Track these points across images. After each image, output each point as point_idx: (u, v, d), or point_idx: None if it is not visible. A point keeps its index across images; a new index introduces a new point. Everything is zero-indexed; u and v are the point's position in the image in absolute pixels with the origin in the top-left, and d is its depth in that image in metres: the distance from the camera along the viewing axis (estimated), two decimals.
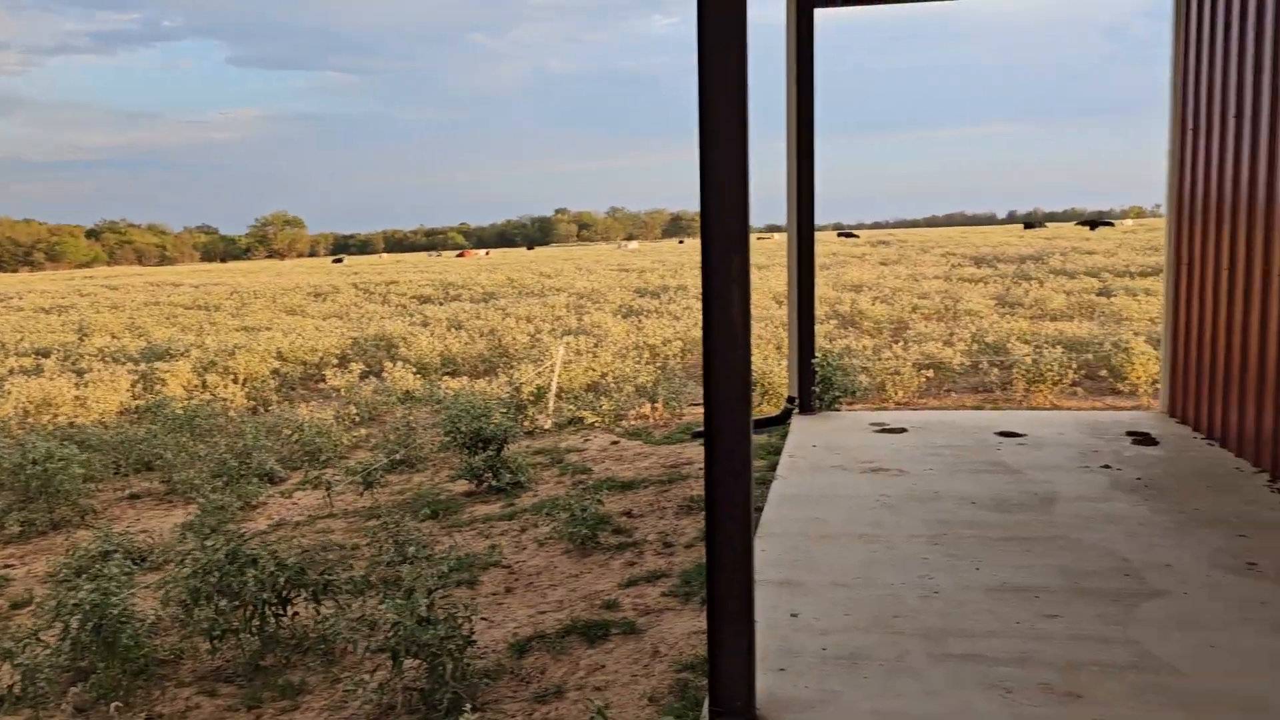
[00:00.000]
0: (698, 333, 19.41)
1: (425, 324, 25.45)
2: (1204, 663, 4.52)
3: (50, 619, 5.80)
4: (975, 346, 16.56)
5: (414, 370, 17.49)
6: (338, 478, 10.69)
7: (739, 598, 4.14)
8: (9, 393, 16.42)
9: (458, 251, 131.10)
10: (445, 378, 17.02)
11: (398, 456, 11.41)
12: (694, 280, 35.80)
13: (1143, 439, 9.14)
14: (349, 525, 9.10)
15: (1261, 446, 7.90)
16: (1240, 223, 8.45)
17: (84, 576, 6.21)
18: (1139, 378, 13.41)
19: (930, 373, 14.49)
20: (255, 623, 5.91)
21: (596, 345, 18.08)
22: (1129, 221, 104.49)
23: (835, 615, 5.23)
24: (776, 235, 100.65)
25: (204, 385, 17.61)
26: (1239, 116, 8.48)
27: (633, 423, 12.75)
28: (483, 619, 5.99)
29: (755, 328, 19.52)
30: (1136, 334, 16.30)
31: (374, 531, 8.19)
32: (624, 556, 7.02)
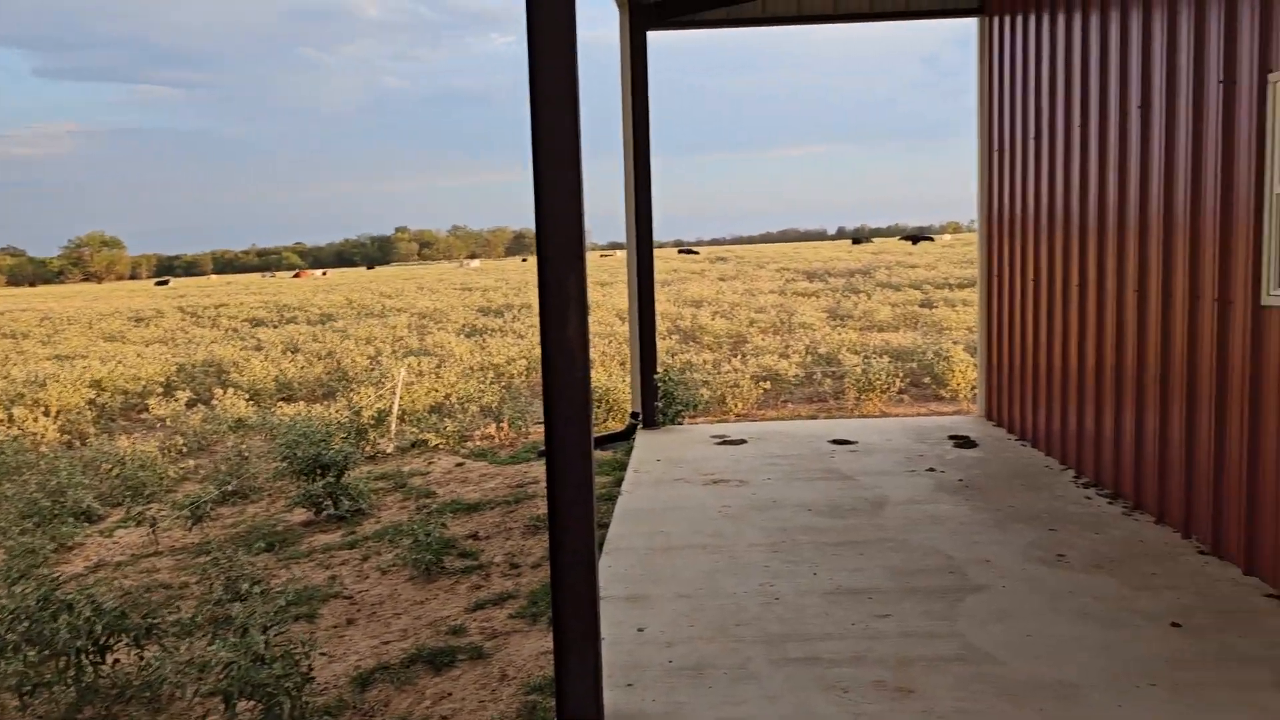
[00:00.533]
0: None
1: (259, 348, 24.45)
2: (1021, 652, 4.81)
3: None
4: (809, 358, 17.17)
5: (246, 397, 16.76)
6: (164, 513, 10.11)
7: (584, 616, 4.15)
8: None
9: (293, 272, 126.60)
10: (281, 403, 16.39)
11: (230, 488, 10.90)
12: (536, 298, 35.79)
13: (963, 442, 9.68)
14: (176, 563, 8.62)
15: (1066, 445, 8.49)
16: (1043, 237, 9.08)
17: None
18: (959, 384, 14.20)
19: (768, 384, 14.92)
20: (71, 673, 5.51)
21: (439, 366, 17.80)
22: (947, 236, 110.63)
23: (680, 627, 5.30)
24: (619, 253, 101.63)
25: (10, 420, 16.36)
26: (1038, 138, 9.12)
27: (478, 443, 12.60)
28: (322, 653, 5.78)
29: (600, 344, 19.66)
30: (956, 343, 17.26)
31: (204, 568, 7.78)
32: (470, 580, 6.92)
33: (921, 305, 26.43)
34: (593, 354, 18.04)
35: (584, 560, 4.14)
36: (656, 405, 11.02)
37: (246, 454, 12.17)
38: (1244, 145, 5.76)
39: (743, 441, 10.19)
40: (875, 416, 12.77)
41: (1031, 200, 9.37)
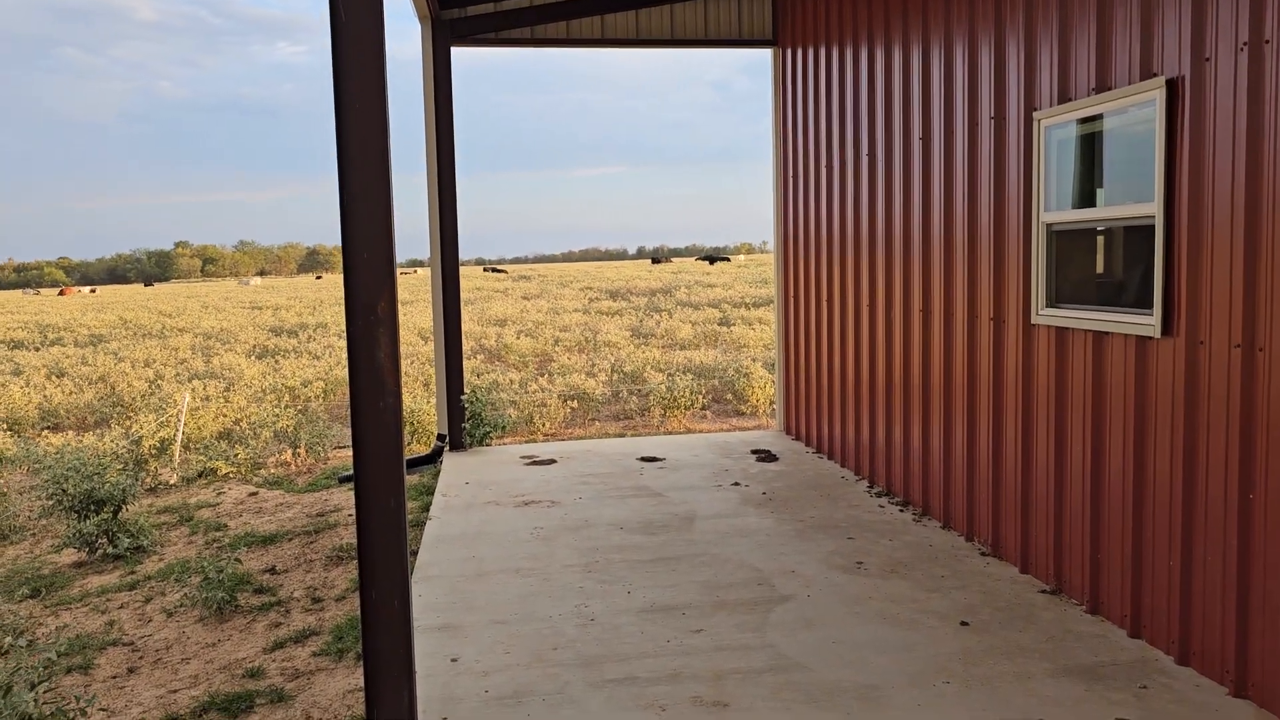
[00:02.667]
0: (340, 372, 18.66)
1: (18, 372, 22.32)
2: (828, 657, 4.98)
3: None
4: (615, 376, 17.34)
5: (4, 427, 15.25)
6: None
7: (397, 651, 3.97)
8: None
9: (58, 289, 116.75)
10: (45, 433, 15.01)
11: None
12: (334, 317, 34.46)
13: (765, 456, 10.00)
14: None
15: (860, 457, 8.93)
16: (835, 258, 9.54)
17: None
18: (759, 400, 14.70)
19: (575, 403, 14.95)
20: None
21: (228, 389, 16.81)
22: (742, 257, 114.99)
23: (496, 654, 5.19)
24: (420, 270, 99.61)
25: None
26: (829, 165, 9.59)
27: (273, 471, 11.96)
28: (101, 709, 5.29)
29: (402, 365, 19.15)
30: (754, 360, 17.89)
31: None
32: (268, 617, 6.52)
33: (720, 324, 27.25)
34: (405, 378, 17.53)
35: (396, 593, 3.97)
36: (463, 426, 10.81)
37: (4, 490, 11.06)
38: (1014, 177, 6.25)
39: (552, 461, 10.14)
40: (681, 433, 13.02)
41: (824, 223, 9.84)
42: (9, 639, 6.18)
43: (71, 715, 4.46)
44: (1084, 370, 5.55)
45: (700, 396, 14.73)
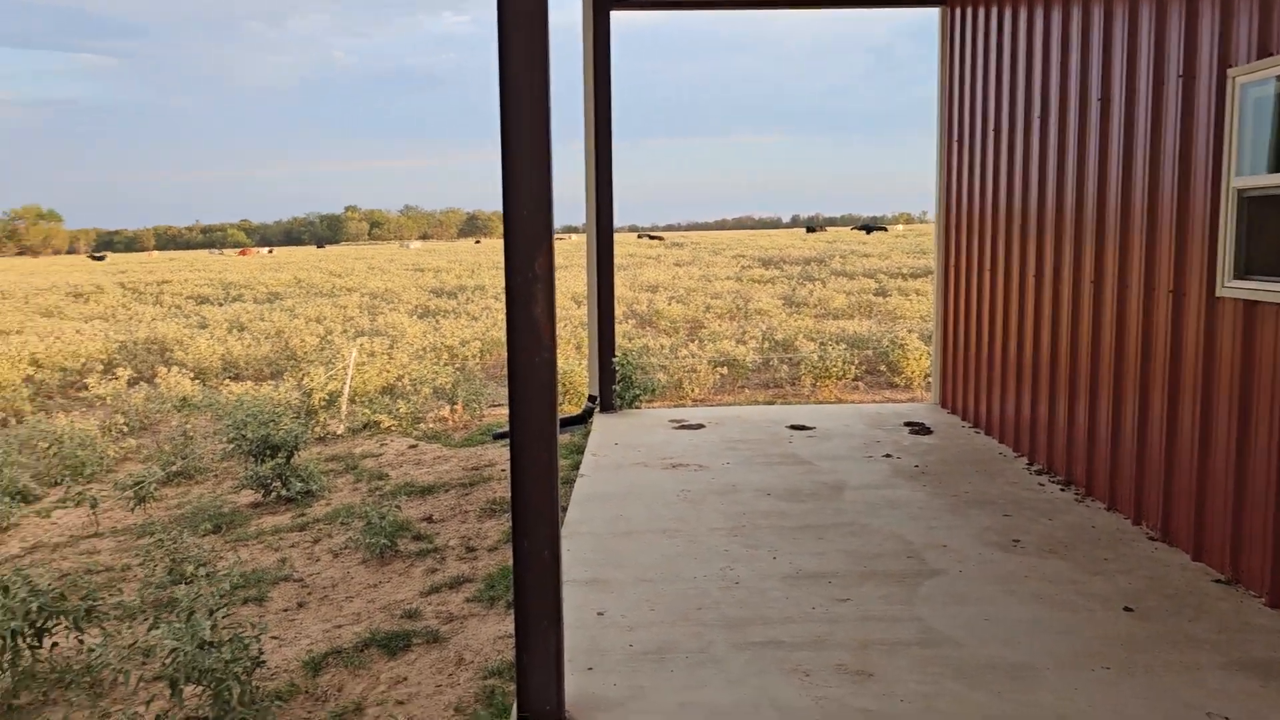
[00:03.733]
0: (497, 333, 19.19)
1: (203, 326, 23.94)
2: (979, 634, 4.83)
3: None
4: (766, 344, 17.21)
5: (191, 375, 16.39)
6: (105, 493, 9.86)
7: (547, 602, 4.08)
8: None
9: (239, 249, 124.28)
10: (228, 382, 16.05)
11: (174, 468, 10.65)
12: (492, 280, 35.45)
13: (919, 429, 9.74)
14: (118, 545, 8.40)
15: (1019, 433, 8.58)
16: (1000, 228, 9.15)
17: None
18: (913, 372, 14.32)
19: (724, 370, 14.93)
20: (6, 658, 5.33)
21: (392, 347, 17.55)
22: (900, 227, 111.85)
23: (641, 611, 5.26)
24: (574, 236, 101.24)
25: None
26: (997, 130, 9.18)
27: (431, 426, 12.44)
28: (273, 637, 5.65)
29: (556, 328, 19.56)
30: (910, 331, 17.42)
31: (147, 550, 7.58)
32: (425, 563, 6.81)
33: (876, 294, 26.64)
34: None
35: (547, 544, 4.06)
36: (614, 389, 10.95)
37: (191, 434, 11.91)
38: (1202, 140, 5.83)
39: (701, 426, 10.17)
40: (831, 403, 12.83)
41: (989, 191, 9.44)
42: (191, 569, 6.67)
43: (246, 642, 4.77)
44: (1275, 347, 5.15)
45: (853, 367, 14.46)
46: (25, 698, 5.32)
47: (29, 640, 5.36)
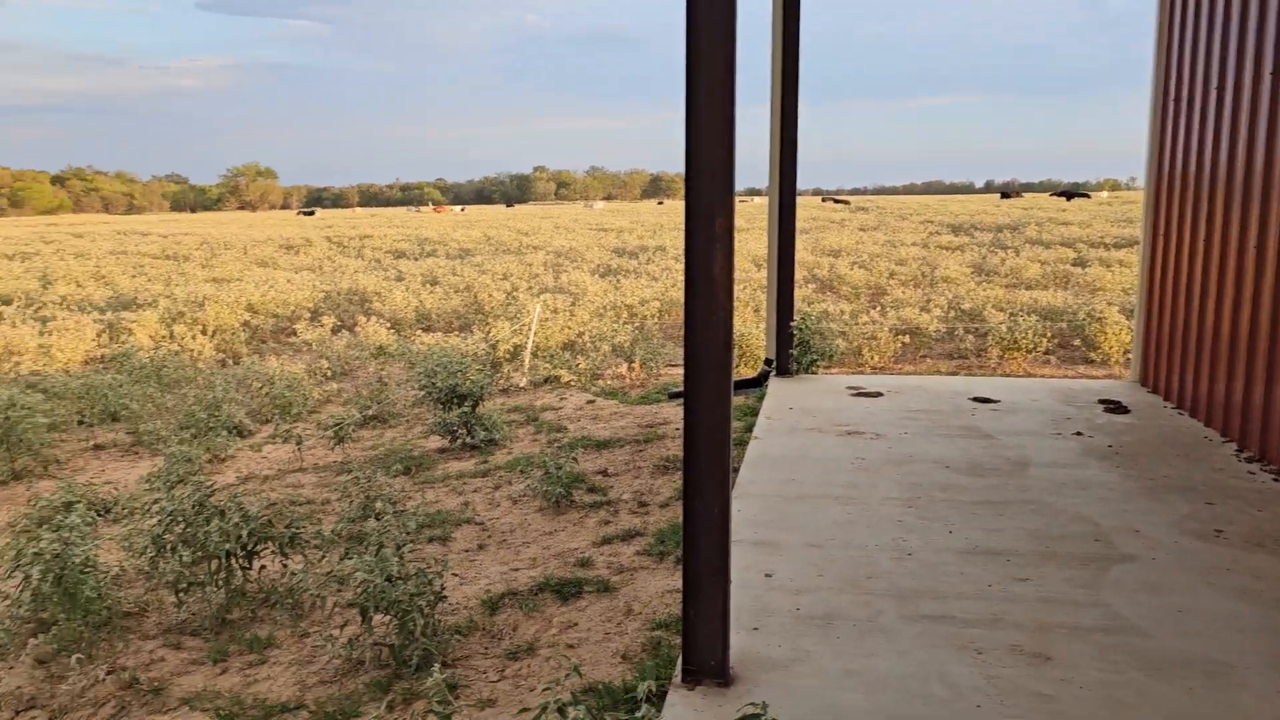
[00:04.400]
0: (676, 294, 19.33)
1: (400, 279, 25.20)
2: (1170, 626, 4.55)
3: (9, 569, 5.69)
4: (951, 313, 16.61)
5: (388, 325, 17.32)
6: (308, 432, 10.58)
7: (715, 559, 4.12)
8: None
9: (434, 207, 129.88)
10: (420, 333, 16.86)
11: (370, 412, 11.30)
12: (672, 241, 35.66)
13: (1114, 407, 9.20)
14: (319, 480, 9.01)
15: (1230, 416, 7.97)
16: (1219, 197, 8.45)
17: (45, 527, 6.09)
18: (1111, 347, 13.50)
19: (906, 338, 14.52)
20: (221, 576, 5.84)
21: (574, 304, 17.97)
22: (1104, 194, 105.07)
23: (809, 575, 5.23)
24: (756, 199, 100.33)
25: (171, 336, 17.36)
26: (1220, 89, 8.45)
27: (609, 382, 12.69)
28: (454, 575, 5.94)
29: (734, 289, 19.50)
30: (1110, 304, 16.40)
31: (345, 486, 8.10)
32: (599, 515, 6.99)
33: (1074, 264, 25.19)
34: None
35: (717, 503, 4.09)
36: (791, 353, 10.85)
37: (386, 380, 12.59)
38: None
39: (879, 394, 9.95)
40: (1019, 376, 12.27)
41: (1210, 156, 8.72)
42: (382, 505, 7.08)
43: (430, 578, 5.04)
44: None
45: (1044, 339, 13.77)
46: (236, 613, 5.82)
47: (241, 561, 5.85)
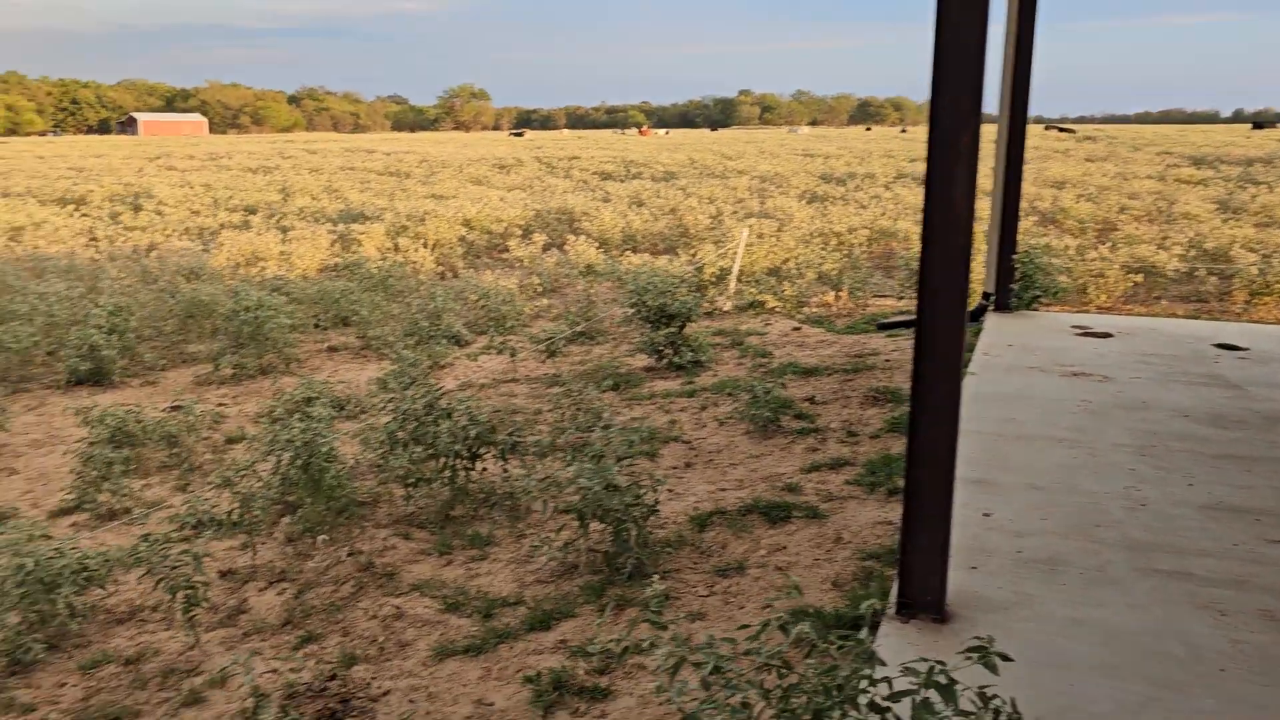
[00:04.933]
0: (885, 222, 18.72)
1: (607, 200, 25.56)
2: None
3: (263, 453, 6.22)
4: (1191, 252, 15.31)
5: (595, 244, 17.63)
6: (520, 345, 10.97)
7: (937, 494, 4.00)
8: (222, 245, 17.59)
9: (639, 130, 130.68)
10: (628, 254, 17.09)
11: (578, 328, 11.60)
12: (882, 168, 34.44)
13: None
14: (531, 391, 9.35)
15: None
16: None
17: (296, 417, 6.61)
18: None
19: (1139, 277, 13.51)
20: (446, 474, 6.18)
21: (780, 229, 17.70)
22: None
23: (1030, 518, 5.01)
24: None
25: (396, 248, 18.34)
26: None
27: (814, 310, 12.50)
28: (668, 490, 6.05)
29: (974, 213, 18.64)
30: None
31: (557, 398, 8.38)
32: (806, 442, 6.93)
33: None
34: None
35: (944, 435, 3.95)
36: (1011, 288, 10.31)
37: (594, 298, 12.86)
38: None
39: (1107, 335, 9.33)
40: (1271, 323, 11.22)
41: None
42: (592, 418, 7.28)
43: (642, 490, 5.16)
44: None
45: None
46: (459, 510, 6.16)
47: (465, 462, 6.18)
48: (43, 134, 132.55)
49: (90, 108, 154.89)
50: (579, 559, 5.16)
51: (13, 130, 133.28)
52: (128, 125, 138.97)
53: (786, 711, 2.98)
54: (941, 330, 3.91)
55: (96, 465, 7.25)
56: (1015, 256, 10.34)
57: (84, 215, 24.34)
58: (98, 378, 10.48)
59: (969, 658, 2.90)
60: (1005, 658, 2.85)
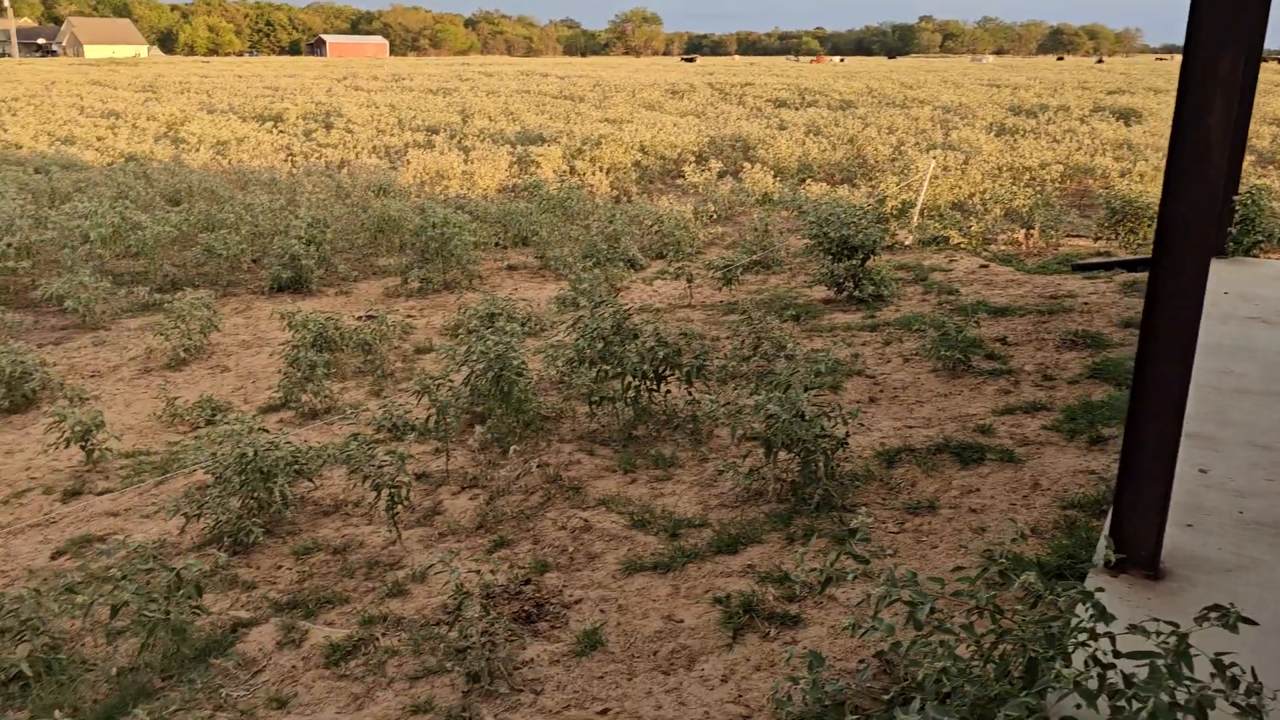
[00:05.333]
0: (1081, 158, 17.62)
1: (782, 127, 25.00)
2: None
3: (458, 364, 6.43)
4: None
5: (771, 173, 17.32)
6: (695, 271, 10.93)
7: (1162, 446, 3.75)
8: (409, 163, 18.18)
9: (812, 57, 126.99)
10: (809, 183, 16.71)
11: (754, 257, 11.45)
12: (1077, 100, 32.32)
13: None
14: (707, 317, 9.33)
15: None
16: None
17: (488, 331, 6.80)
18: None
19: None
20: (630, 395, 6.24)
21: (965, 163, 16.91)
22: None
23: (1253, 478, 4.67)
24: (1175, 56, 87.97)
25: (572, 171, 18.51)
26: None
27: (1002, 248, 11.93)
28: (860, 423, 5.93)
29: (1155, 159, 17.39)
30: None
31: (734, 326, 8.33)
32: (997, 383, 6.66)
33: None
34: (1146, 168, 15.99)
35: (1175, 382, 3.70)
36: (1230, 231, 9.54)
37: (770, 228, 12.65)
38: None
39: None
40: None
41: None
42: (769, 346, 7.20)
43: (832, 422, 5.07)
44: None
45: None
46: (640, 430, 6.24)
47: (649, 383, 6.22)
48: (240, 54, 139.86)
49: (283, 29, 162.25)
50: (765, 486, 5.15)
51: (214, 50, 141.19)
52: (316, 46, 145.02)
53: (995, 659, 2.90)
54: (1183, 274, 3.63)
55: (301, 366, 7.70)
56: (1236, 197, 9.53)
57: (281, 132, 25.61)
58: (297, 285, 11.09)
59: (1203, 619, 2.74)
60: (1249, 621, 2.67)
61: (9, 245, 10.78)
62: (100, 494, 6.10)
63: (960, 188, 14.53)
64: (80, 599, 4.21)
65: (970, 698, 2.70)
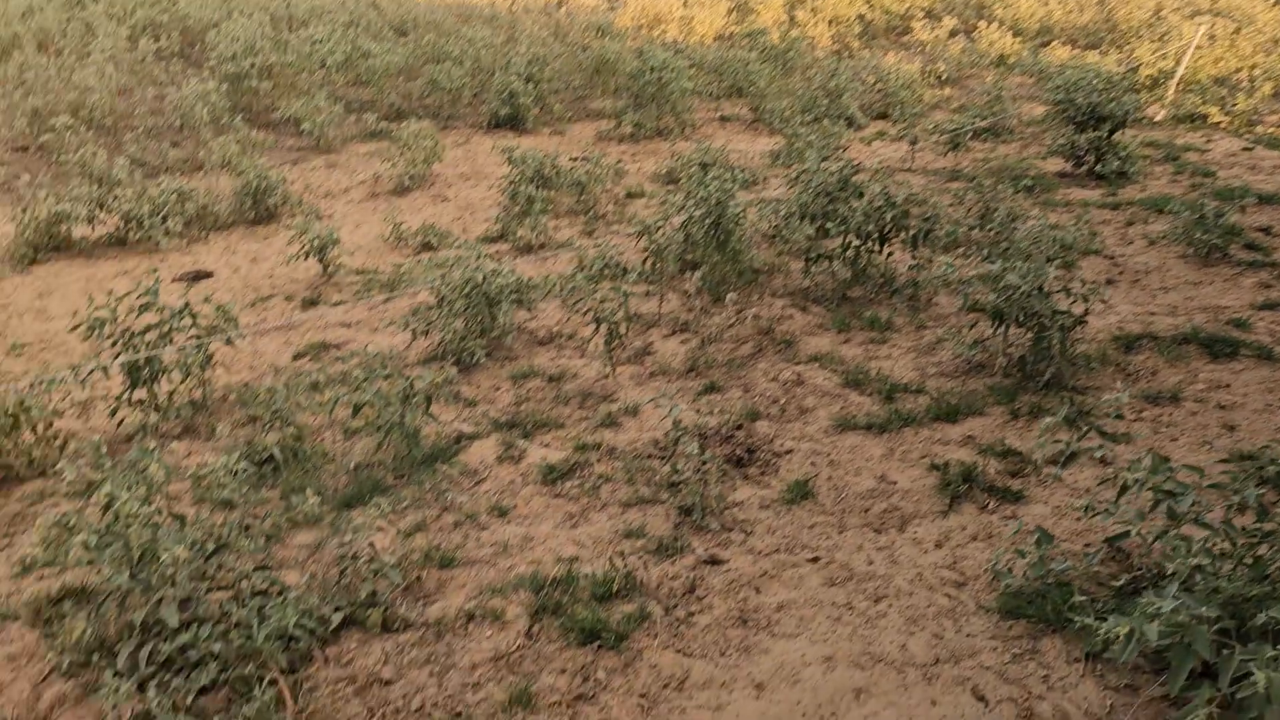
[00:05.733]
0: None
1: None
2: None
3: (676, 208, 6.37)
4: None
5: (1009, 33, 16.04)
6: (919, 134, 10.36)
7: None
8: (626, 4, 17.85)
9: None
10: (1055, 46, 15.40)
11: (983, 122, 10.74)
12: None
13: None
14: (928, 183, 8.87)
15: None
16: None
17: (709, 176, 6.67)
18: None
19: None
20: (849, 255, 6.05)
21: (1236, 32, 15.10)
22: None
23: None
24: None
25: (792, 21, 17.72)
26: None
27: (1270, 130, 10.71)
28: (1102, 302, 5.55)
29: None
30: None
31: (959, 193, 7.89)
32: (1258, 275, 6.07)
33: None
34: None
35: None
36: None
37: (1003, 93, 11.79)
38: None
39: None
40: None
41: None
42: (1002, 217, 6.77)
43: (1072, 299, 4.76)
44: None
45: None
46: (856, 293, 6.07)
47: (870, 245, 6.00)
48: None
49: None
50: (990, 359, 4.93)
51: None
52: None
53: (1254, 559, 2.70)
54: None
55: (520, 201, 7.85)
56: None
57: None
58: (514, 122, 11.23)
59: None
60: None
61: (251, 65, 11.33)
62: (334, 305, 6.51)
63: (1226, 60, 13.04)
64: (324, 398, 4.54)
65: (1225, 594, 2.53)
